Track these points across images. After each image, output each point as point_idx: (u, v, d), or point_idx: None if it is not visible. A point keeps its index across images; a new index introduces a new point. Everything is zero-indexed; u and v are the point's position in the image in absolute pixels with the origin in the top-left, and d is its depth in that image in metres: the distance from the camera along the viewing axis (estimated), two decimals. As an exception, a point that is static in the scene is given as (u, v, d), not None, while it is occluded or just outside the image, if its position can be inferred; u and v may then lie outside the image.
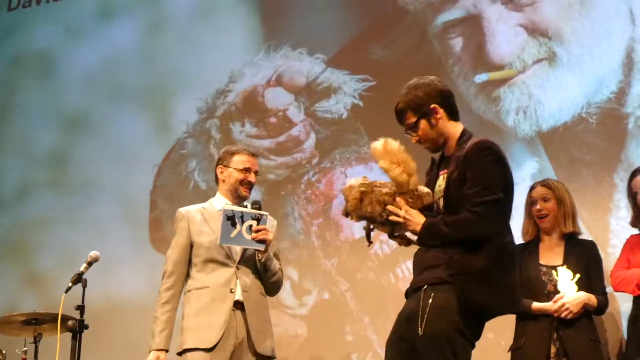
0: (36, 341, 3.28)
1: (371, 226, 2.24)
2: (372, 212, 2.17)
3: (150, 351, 2.78)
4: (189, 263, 2.81)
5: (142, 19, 4.54)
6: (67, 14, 4.73)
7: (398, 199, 2.17)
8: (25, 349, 3.35)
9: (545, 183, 3.12)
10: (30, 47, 4.77)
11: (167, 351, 2.77)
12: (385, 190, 2.18)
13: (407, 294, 2.27)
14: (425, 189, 2.20)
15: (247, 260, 2.80)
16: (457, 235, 2.14)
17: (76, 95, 4.57)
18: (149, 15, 4.53)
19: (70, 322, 2.80)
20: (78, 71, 4.57)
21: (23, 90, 4.74)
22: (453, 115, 2.29)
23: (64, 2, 4.74)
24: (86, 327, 2.83)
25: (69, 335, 2.82)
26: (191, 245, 2.80)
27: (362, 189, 2.18)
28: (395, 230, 2.22)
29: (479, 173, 2.16)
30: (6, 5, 4.92)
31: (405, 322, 2.20)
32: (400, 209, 2.18)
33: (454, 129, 2.28)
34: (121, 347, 4.03)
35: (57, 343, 2.90)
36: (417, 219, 2.17)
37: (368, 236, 2.27)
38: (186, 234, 2.82)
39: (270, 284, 2.86)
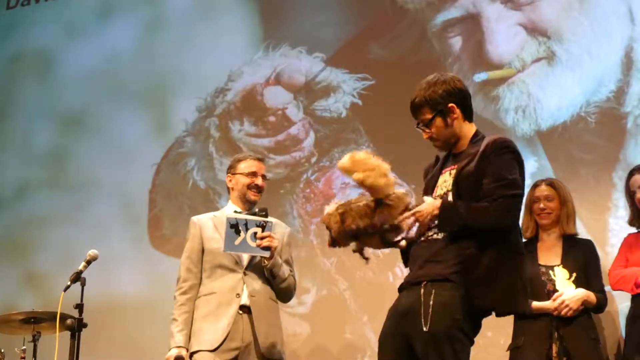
0: (35, 340, 3.28)
1: (360, 246, 2.24)
2: (357, 227, 2.16)
3: (170, 349, 2.81)
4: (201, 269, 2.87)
5: (141, 17, 4.52)
6: (66, 12, 4.71)
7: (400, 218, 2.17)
8: (24, 347, 3.35)
9: (550, 182, 3.13)
10: (29, 45, 4.75)
11: (187, 349, 2.80)
12: (363, 202, 2.18)
13: (402, 288, 2.26)
14: (402, 190, 2.21)
15: (256, 266, 2.84)
16: (474, 222, 2.12)
17: (75, 93, 4.55)
18: (148, 14, 4.51)
19: (69, 321, 2.81)
20: (77, 69, 4.56)
21: (22, 89, 4.70)
22: (468, 116, 2.29)
23: (63, 1, 4.73)
24: (85, 325, 2.84)
25: (67, 333, 2.83)
26: (203, 251, 2.86)
27: (340, 210, 2.18)
28: (387, 238, 2.22)
29: (501, 168, 2.15)
30: (5, 3, 4.91)
31: (402, 316, 2.19)
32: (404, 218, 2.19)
33: (467, 129, 2.28)
34: (120, 345, 4.04)
35: (56, 342, 2.94)
36: (431, 205, 2.15)
37: (362, 254, 2.26)
38: (198, 240, 2.87)
39: (280, 290, 2.90)
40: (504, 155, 2.17)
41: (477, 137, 2.26)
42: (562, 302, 2.89)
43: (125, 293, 4.11)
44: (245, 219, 2.68)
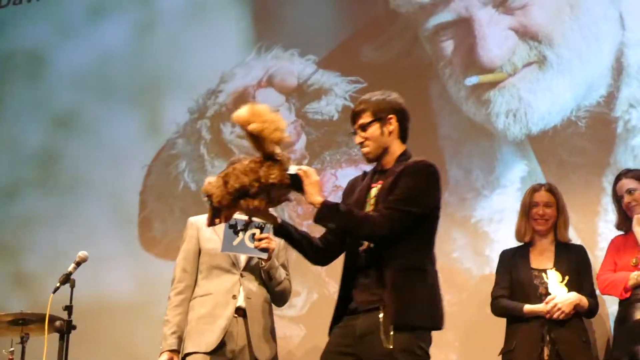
0: (23, 342, 3.26)
1: (246, 206, 2.17)
2: (241, 184, 2.10)
3: (161, 353, 2.80)
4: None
5: (133, 18, 4.47)
6: (57, 12, 4.62)
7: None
8: (12, 349, 3.32)
9: (549, 188, 3.14)
10: (20, 45, 4.66)
11: (179, 352, 2.79)
12: (246, 161, 2.15)
13: (355, 311, 2.26)
14: (288, 155, 2.19)
15: (253, 268, 2.83)
16: (349, 226, 2.17)
17: (66, 94, 4.51)
18: (139, 15, 4.47)
19: (57, 323, 2.80)
20: (68, 70, 4.51)
21: (12, 89, 4.64)
22: (403, 135, 2.35)
23: (55, 0, 4.70)
24: (74, 327, 2.84)
25: (56, 335, 2.84)
26: (199, 253, 2.85)
27: (222, 174, 2.15)
28: (272, 195, 2.16)
29: (407, 186, 2.20)
30: (-3, 2, 4.89)
31: (358, 338, 2.21)
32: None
33: (398, 147, 2.33)
34: (109, 347, 4.01)
35: (45, 343, 2.91)
36: (318, 193, 2.18)
37: (250, 219, 2.24)
38: (195, 240, 2.86)
39: (276, 293, 2.89)
40: (417, 174, 2.22)
41: (404, 156, 2.31)
42: (555, 305, 2.91)
43: (115, 295, 4.08)
44: (245, 220, 2.67)
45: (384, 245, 2.19)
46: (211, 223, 2.21)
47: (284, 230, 2.28)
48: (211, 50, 4.20)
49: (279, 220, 2.27)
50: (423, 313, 2.18)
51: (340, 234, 2.32)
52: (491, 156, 3.62)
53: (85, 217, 4.27)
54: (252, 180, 2.10)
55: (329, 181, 3.84)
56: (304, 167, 2.19)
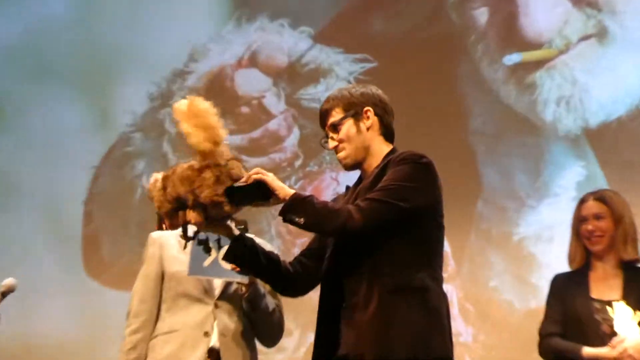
0: None
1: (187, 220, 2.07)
2: (177, 194, 2.01)
3: None
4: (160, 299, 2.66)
5: (79, -22, 4.35)
6: None
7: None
8: None
9: (599, 196, 2.81)
10: None
11: None
12: (187, 165, 2.05)
13: (344, 359, 2.06)
14: (237, 163, 2.08)
15: (232, 297, 2.53)
16: (319, 219, 2.02)
17: (-10, 74, 4.26)
18: (88, -25, 4.35)
19: (-25, 373, 2.60)
20: (-7, 44, 4.27)
21: None
22: (386, 133, 2.18)
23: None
24: (-4, 378, 2.65)
25: (-27, 389, 2.62)
26: (163, 277, 2.62)
27: (164, 174, 2.07)
28: (211, 214, 2.03)
29: (392, 177, 2.05)
30: None
31: None
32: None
33: (381, 145, 2.17)
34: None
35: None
36: (284, 187, 2.08)
37: (185, 234, 2.10)
38: (157, 262, 2.57)
39: (263, 329, 2.58)
40: (406, 166, 2.07)
41: (390, 155, 2.16)
42: (625, 350, 2.53)
43: (50, 335, 3.85)
44: (218, 235, 2.33)
45: (358, 240, 2.01)
46: (159, 227, 2.18)
47: (239, 247, 2.11)
48: (178, 20, 4.01)
49: (235, 232, 2.13)
50: (414, 342, 1.98)
51: (318, 253, 2.18)
52: (537, 156, 3.51)
53: (13, 234, 4.04)
54: (186, 192, 2.01)
55: (329, 187, 3.65)
56: (253, 171, 2.04)
